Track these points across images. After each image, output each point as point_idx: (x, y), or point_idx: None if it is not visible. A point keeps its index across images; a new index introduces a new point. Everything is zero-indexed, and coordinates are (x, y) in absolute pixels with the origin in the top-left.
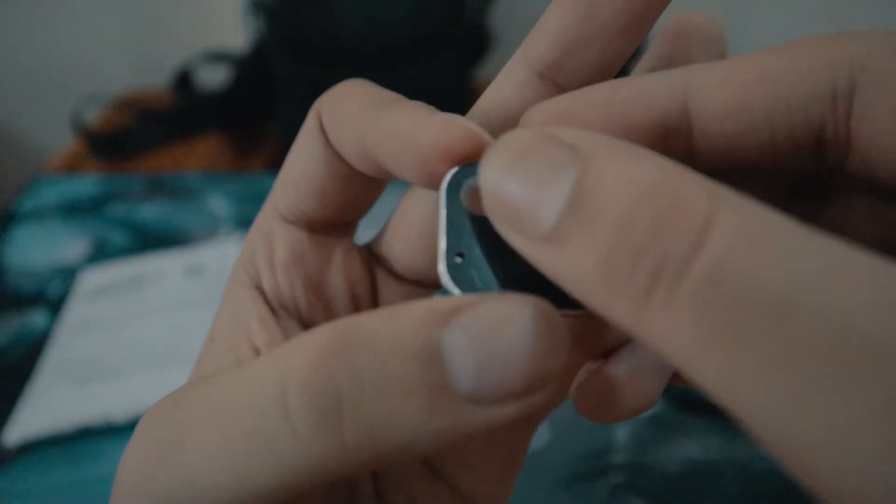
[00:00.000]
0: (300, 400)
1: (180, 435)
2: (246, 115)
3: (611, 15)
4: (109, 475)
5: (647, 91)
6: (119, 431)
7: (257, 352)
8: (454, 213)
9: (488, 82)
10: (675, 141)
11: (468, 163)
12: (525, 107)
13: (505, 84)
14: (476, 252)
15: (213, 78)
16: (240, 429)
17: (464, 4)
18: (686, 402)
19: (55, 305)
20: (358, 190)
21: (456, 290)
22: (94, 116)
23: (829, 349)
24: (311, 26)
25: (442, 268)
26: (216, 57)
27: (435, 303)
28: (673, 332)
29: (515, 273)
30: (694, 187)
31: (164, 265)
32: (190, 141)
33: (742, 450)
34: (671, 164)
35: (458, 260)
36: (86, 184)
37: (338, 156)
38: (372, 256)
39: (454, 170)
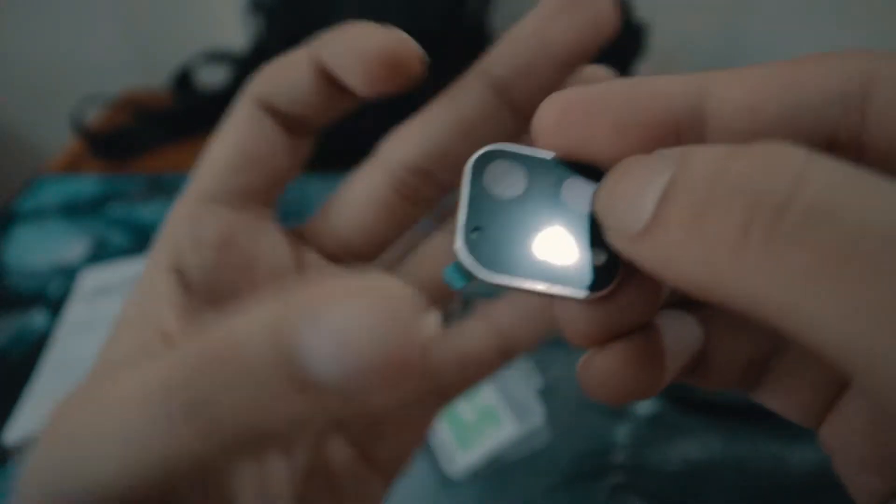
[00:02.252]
0: (162, 407)
1: (73, 434)
2: None
3: (560, 50)
4: None
5: (664, 89)
6: None
7: (167, 337)
8: (476, 191)
9: None
10: (688, 139)
11: (494, 144)
12: (480, 117)
13: (461, 97)
14: (492, 231)
15: (214, 78)
16: (120, 431)
17: (463, 4)
18: (686, 402)
19: (55, 305)
20: (283, 157)
21: (469, 260)
22: (94, 116)
23: None
24: (311, 26)
25: (459, 241)
26: (216, 57)
27: (291, 296)
28: (771, 272)
29: (530, 257)
30: (783, 144)
31: None
32: (190, 141)
33: (742, 450)
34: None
35: (474, 235)
36: (86, 184)
37: (270, 121)
38: (301, 239)
39: (481, 150)
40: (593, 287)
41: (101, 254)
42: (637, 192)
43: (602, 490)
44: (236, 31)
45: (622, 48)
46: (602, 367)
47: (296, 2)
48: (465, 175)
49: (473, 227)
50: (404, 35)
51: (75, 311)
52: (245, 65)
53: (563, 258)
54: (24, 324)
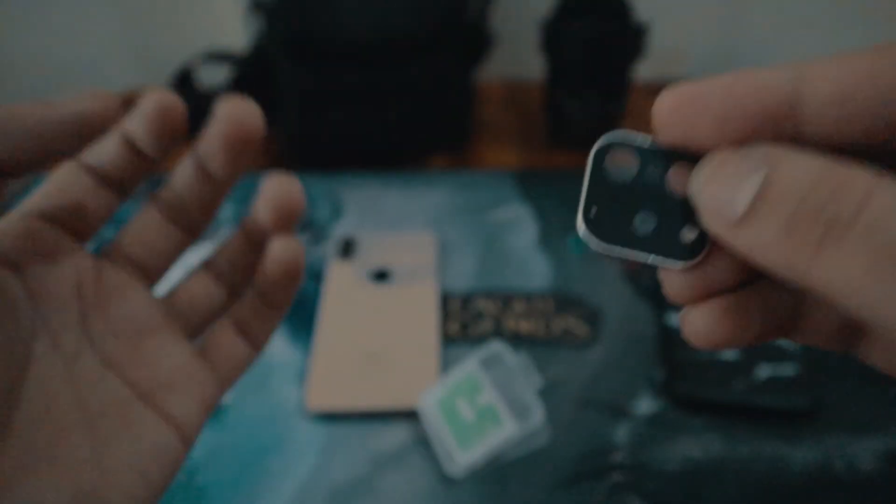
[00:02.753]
0: None
1: None
2: None
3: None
4: None
5: (765, 80)
6: None
7: None
8: (595, 175)
9: (488, 82)
10: (784, 125)
11: (613, 134)
12: None
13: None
14: (606, 209)
15: (214, 78)
16: None
17: (464, 5)
18: (686, 402)
19: None
20: (90, 202)
21: (587, 235)
22: None
23: None
24: (312, 26)
25: (579, 218)
26: (217, 57)
27: None
28: (840, 269)
29: (636, 231)
30: (856, 170)
31: None
32: (190, 141)
33: (742, 450)
34: (832, 159)
35: (592, 213)
36: None
37: (84, 176)
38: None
39: (601, 140)
40: (686, 258)
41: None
42: (733, 186)
43: (602, 490)
44: (237, 31)
45: (622, 48)
46: (695, 321)
47: (296, 2)
48: (589, 161)
49: (591, 207)
50: (174, 97)
51: None
52: (245, 65)
53: (663, 233)
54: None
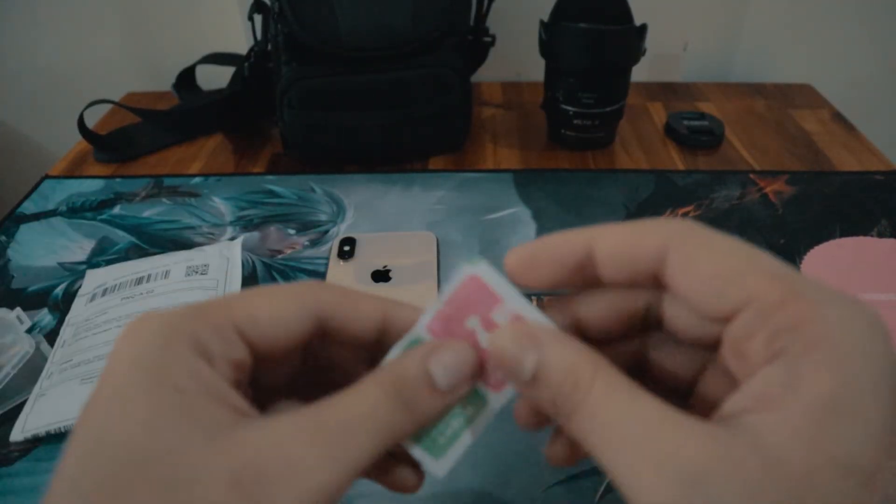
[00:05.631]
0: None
1: None
2: (248, 117)
3: None
4: None
5: (567, 239)
6: None
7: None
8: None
9: (488, 83)
10: (586, 269)
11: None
12: None
13: None
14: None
15: (216, 80)
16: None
17: (466, 7)
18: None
19: (61, 305)
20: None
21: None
22: (99, 119)
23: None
24: (313, 28)
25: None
26: (219, 59)
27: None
28: (585, 422)
29: None
30: (586, 362)
31: (167, 265)
32: (193, 142)
33: None
34: (581, 347)
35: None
36: (91, 185)
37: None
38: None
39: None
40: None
41: (105, 254)
42: (524, 360)
43: (599, 486)
44: (239, 34)
45: (621, 50)
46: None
47: (297, 4)
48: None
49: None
50: None
51: (80, 310)
52: (247, 67)
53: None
54: (30, 323)
